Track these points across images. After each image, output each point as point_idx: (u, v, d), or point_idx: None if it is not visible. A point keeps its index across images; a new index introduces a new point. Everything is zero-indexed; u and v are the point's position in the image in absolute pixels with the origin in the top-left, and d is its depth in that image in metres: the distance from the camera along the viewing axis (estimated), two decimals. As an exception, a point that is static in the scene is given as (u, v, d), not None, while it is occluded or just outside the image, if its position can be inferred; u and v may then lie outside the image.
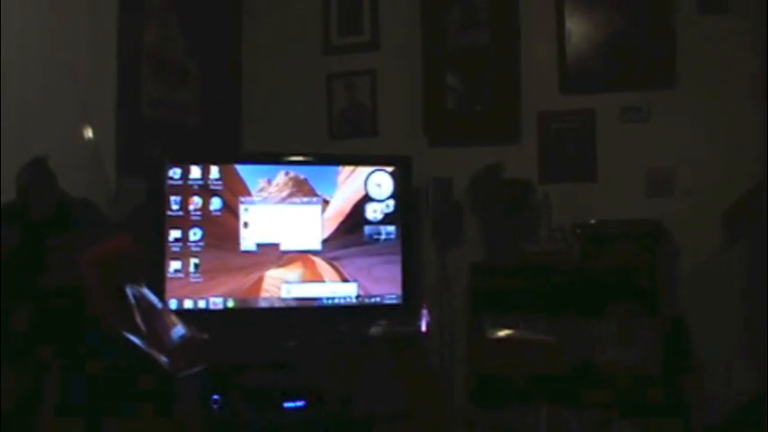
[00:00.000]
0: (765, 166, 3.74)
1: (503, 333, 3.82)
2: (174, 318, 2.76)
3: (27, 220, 2.55)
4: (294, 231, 3.86)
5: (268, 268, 3.81)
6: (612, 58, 4.07)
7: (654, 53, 4.00)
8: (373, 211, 3.95)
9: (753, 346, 3.78)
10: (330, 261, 3.89)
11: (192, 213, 3.73)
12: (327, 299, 3.89)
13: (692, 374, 3.78)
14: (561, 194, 4.08)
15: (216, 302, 3.75)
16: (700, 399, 3.77)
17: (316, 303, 3.87)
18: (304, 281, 3.86)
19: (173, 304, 3.63)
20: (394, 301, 3.95)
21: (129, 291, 2.57)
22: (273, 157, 3.93)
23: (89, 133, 3.38)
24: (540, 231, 4.02)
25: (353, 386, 3.66)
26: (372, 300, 3.94)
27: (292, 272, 3.85)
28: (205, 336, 3.01)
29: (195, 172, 3.75)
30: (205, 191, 3.75)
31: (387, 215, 3.97)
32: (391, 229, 3.97)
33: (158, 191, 3.70)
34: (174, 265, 3.70)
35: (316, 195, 3.89)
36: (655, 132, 4.03)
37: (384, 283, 3.95)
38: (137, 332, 2.49)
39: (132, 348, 2.45)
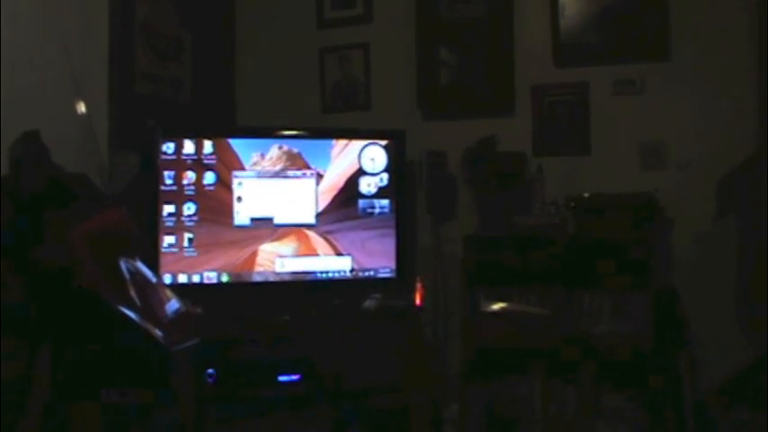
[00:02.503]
0: (765, 137, 3.75)
1: (497, 306, 3.84)
2: (168, 292, 2.76)
3: (20, 195, 2.54)
4: (288, 205, 3.86)
5: (262, 242, 3.82)
6: (606, 30, 4.06)
7: (647, 25, 3.99)
8: (367, 185, 3.96)
9: (745, 318, 3.80)
10: (324, 235, 3.90)
11: (186, 188, 3.74)
12: (321, 273, 3.89)
13: (684, 346, 3.80)
14: (555, 167, 4.07)
15: (210, 277, 3.76)
16: (692, 370, 3.80)
17: (310, 277, 3.88)
18: (298, 255, 3.87)
19: (167, 279, 3.65)
20: (388, 275, 3.96)
21: (123, 265, 2.57)
22: (267, 131, 3.93)
23: (82, 108, 3.37)
24: (534, 204, 4.01)
25: (348, 360, 3.68)
26: (366, 273, 3.94)
27: (286, 246, 3.85)
28: (199, 310, 3.02)
29: (188, 146, 3.75)
30: (198, 165, 3.75)
31: (381, 189, 3.97)
32: (385, 202, 3.97)
33: (152, 165, 3.70)
34: (168, 239, 3.71)
35: (309, 169, 3.89)
36: (648, 105, 4.02)
37: (378, 257, 3.95)
38: (131, 306, 2.50)
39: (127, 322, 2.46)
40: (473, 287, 3.89)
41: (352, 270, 3.92)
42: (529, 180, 4.07)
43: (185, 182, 3.74)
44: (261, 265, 3.82)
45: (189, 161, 3.75)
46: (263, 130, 3.95)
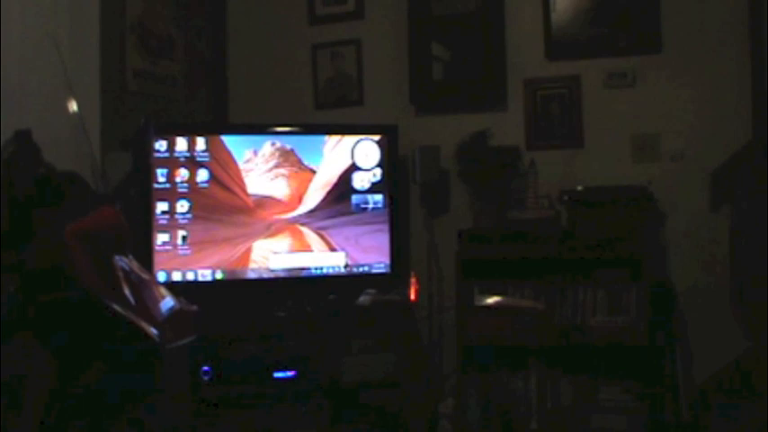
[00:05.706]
0: (757, 127, 3.76)
1: (491, 300, 3.84)
2: (162, 290, 2.76)
3: (12, 194, 2.53)
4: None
5: (256, 239, 3.82)
6: (598, 23, 4.06)
7: (639, 18, 3.99)
8: (360, 181, 3.96)
9: (739, 309, 3.81)
10: (318, 231, 3.89)
11: (179, 185, 3.73)
12: (316, 269, 3.89)
13: (678, 338, 3.81)
14: (548, 161, 4.07)
15: (204, 274, 3.76)
16: (687, 361, 3.81)
17: (304, 273, 3.88)
18: (292, 251, 3.86)
19: (161, 276, 3.64)
20: (382, 270, 3.97)
21: (118, 262, 2.56)
22: (260, 128, 3.93)
23: (74, 106, 3.35)
24: (528, 198, 4.02)
25: (342, 356, 3.68)
26: (361, 269, 3.95)
27: (280, 242, 3.85)
28: (194, 307, 3.01)
29: (181, 144, 3.74)
30: (191, 163, 3.75)
31: (374, 184, 3.97)
32: (379, 198, 3.97)
33: (144, 163, 3.70)
34: (162, 237, 3.71)
35: (302, 165, 3.88)
36: (641, 98, 4.03)
37: (372, 252, 3.96)
38: (125, 304, 2.49)
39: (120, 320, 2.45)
40: (467, 281, 3.89)
41: (346, 266, 3.92)
42: (522, 174, 4.07)
43: (178, 179, 3.73)
44: (255, 262, 3.82)
45: (182, 159, 3.74)
46: (256, 127, 3.95)
